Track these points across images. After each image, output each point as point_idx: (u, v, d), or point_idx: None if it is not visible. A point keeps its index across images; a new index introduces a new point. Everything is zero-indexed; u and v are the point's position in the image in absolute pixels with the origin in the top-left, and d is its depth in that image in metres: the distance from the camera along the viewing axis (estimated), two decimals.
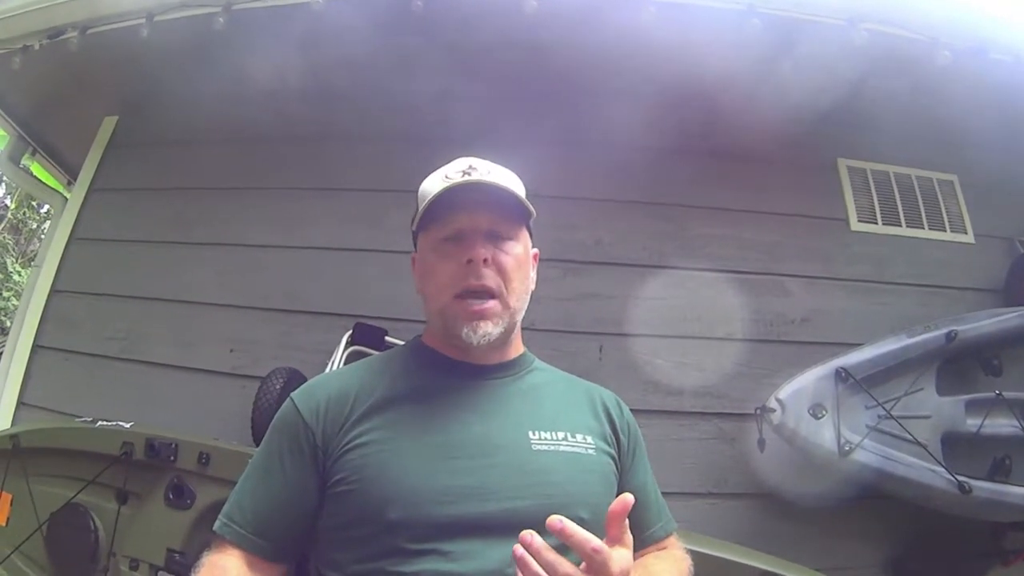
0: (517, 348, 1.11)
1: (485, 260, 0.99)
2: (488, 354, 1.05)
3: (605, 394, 1.12)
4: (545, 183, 2.44)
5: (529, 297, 1.08)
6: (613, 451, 1.03)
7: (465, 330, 0.99)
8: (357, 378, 1.03)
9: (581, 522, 0.90)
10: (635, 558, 1.03)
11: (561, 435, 0.98)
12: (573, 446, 0.98)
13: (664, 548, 1.08)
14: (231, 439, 1.99)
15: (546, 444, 0.96)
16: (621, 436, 1.07)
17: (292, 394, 1.02)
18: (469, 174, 1.02)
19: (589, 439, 1.00)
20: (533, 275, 1.10)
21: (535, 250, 1.12)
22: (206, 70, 2.55)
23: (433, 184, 1.04)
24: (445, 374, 1.04)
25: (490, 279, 0.99)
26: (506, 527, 0.86)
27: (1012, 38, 2.24)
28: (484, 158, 1.09)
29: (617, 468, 1.03)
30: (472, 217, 1.01)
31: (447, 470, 0.91)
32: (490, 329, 0.99)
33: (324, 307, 2.53)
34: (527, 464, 0.93)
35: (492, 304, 1.00)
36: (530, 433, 0.97)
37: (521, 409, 1.02)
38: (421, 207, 1.04)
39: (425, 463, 0.91)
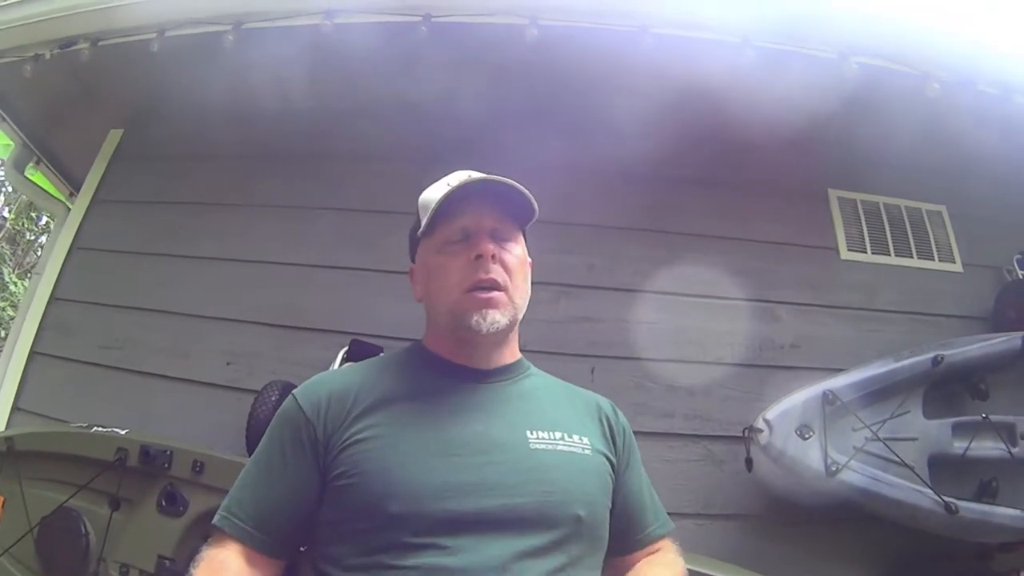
0: (514, 353, 1.13)
1: (492, 256, 1.02)
2: (487, 357, 1.07)
3: (601, 400, 1.15)
4: (540, 208, 2.47)
5: (527, 301, 1.10)
6: (609, 453, 1.05)
7: (475, 318, 1.00)
8: (358, 376, 1.05)
9: (578, 520, 0.93)
10: (630, 562, 1.06)
11: (559, 435, 1.00)
12: (570, 446, 0.99)
13: (658, 550, 1.10)
14: (225, 451, 1.98)
15: (544, 443, 0.98)
16: (617, 439, 1.09)
17: (294, 391, 1.03)
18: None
19: (586, 440, 1.02)
20: (529, 282, 1.13)
21: (528, 259, 1.15)
22: (212, 86, 2.60)
23: (436, 191, 1.08)
24: (445, 376, 1.05)
25: (497, 273, 1.02)
26: (504, 523, 0.88)
27: (1000, 70, 2.30)
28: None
29: (613, 470, 1.05)
30: (478, 216, 1.05)
31: (447, 466, 0.92)
32: (498, 318, 1.01)
33: (321, 323, 2.55)
34: (525, 462, 0.95)
35: (499, 294, 1.02)
36: (528, 433, 0.98)
37: (519, 410, 1.03)
38: (428, 210, 1.06)
39: (426, 459, 0.92)
